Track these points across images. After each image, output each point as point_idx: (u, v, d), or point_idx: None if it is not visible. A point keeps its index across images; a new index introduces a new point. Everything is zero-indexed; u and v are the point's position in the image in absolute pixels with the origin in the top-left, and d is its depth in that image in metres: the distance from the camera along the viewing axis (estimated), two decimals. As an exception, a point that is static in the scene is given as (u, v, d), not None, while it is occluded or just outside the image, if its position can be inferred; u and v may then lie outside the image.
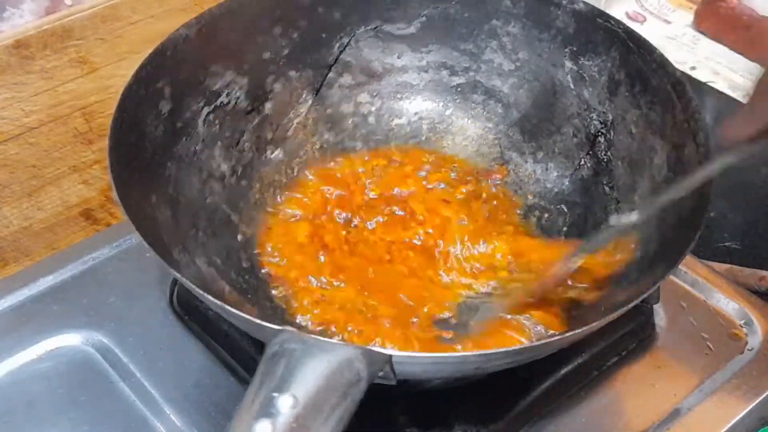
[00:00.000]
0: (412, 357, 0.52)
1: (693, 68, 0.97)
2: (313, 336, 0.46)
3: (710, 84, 0.96)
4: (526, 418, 0.62)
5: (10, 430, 0.61)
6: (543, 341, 0.52)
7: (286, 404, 0.43)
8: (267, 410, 0.43)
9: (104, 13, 0.80)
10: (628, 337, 0.67)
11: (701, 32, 1.03)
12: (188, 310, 0.68)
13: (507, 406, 0.62)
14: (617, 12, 1.05)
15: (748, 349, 0.67)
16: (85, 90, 0.82)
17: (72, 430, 0.61)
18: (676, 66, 0.67)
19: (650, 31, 1.03)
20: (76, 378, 0.64)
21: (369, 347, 0.47)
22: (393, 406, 0.60)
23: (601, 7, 0.99)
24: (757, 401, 0.63)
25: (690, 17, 1.05)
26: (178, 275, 0.53)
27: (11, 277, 0.71)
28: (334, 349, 0.46)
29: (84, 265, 0.71)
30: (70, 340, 0.66)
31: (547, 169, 0.75)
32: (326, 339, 0.46)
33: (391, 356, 0.47)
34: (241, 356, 0.65)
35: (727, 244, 0.83)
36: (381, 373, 0.47)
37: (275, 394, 0.44)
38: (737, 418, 0.63)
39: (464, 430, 0.61)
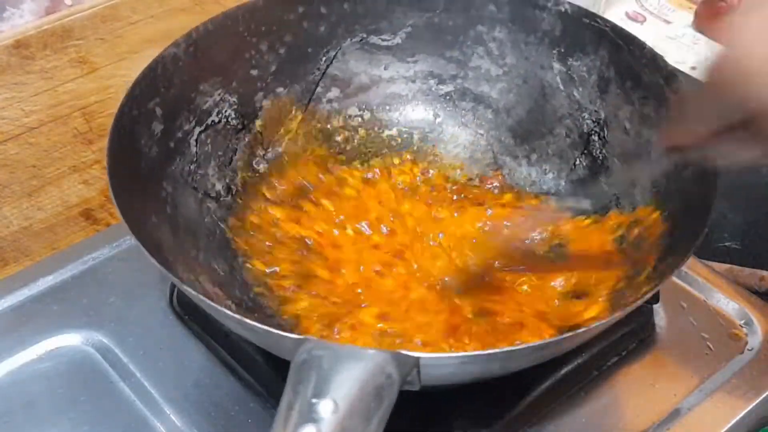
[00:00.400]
0: (440, 358, 0.52)
1: (693, 68, 0.97)
2: (338, 343, 0.46)
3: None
4: (526, 419, 0.62)
5: (10, 430, 0.61)
6: (568, 334, 0.52)
7: (327, 409, 0.43)
8: (309, 416, 0.43)
9: (104, 13, 0.80)
10: (628, 337, 0.67)
11: (701, 32, 1.03)
12: (188, 310, 0.68)
13: (507, 406, 0.62)
14: (617, 12, 1.05)
15: (748, 349, 0.67)
16: (85, 90, 0.82)
17: (72, 430, 0.61)
18: (676, 66, 0.67)
19: (650, 31, 1.03)
20: (76, 378, 0.64)
21: (397, 351, 0.46)
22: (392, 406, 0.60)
23: (601, 8, 0.99)
24: (757, 401, 0.63)
25: (690, 17, 1.05)
26: (202, 297, 0.52)
27: (11, 277, 0.71)
28: (365, 354, 0.45)
29: (84, 265, 0.71)
30: (70, 340, 0.66)
31: (542, 171, 0.75)
32: (355, 345, 0.46)
33: (419, 358, 0.47)
34: (241, 356, 0.64)
35: (727, 244, 0.83)
36: (409, 378, 0.47)
37: (314, 400, 0.43)
38: (737, 418, 0.62)
39: (464, 430, 0.61)
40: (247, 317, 0.51)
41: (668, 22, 1.06)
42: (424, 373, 0.48)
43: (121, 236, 0.73)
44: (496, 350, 0.51)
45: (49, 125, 0.81)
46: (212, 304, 0.52)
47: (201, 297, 0.52)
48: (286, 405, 0.44)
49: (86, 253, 0.72)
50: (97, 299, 0.68)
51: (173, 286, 0.69)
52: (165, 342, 0.66)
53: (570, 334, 0.52)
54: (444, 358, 0.52)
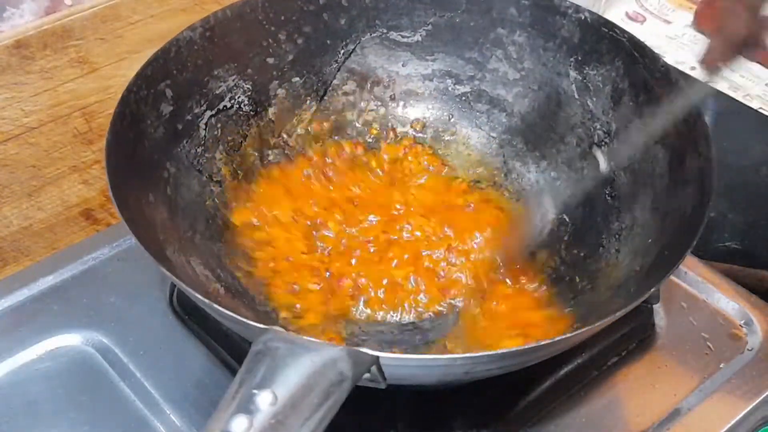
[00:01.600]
0: (400, 359, 0.52)
1: (693, 68, 0.97)
2: (297, 336, 0.46)
3: (710, 84, 0.96)
4: (526, 419, 0.62)
5: (10, 430, 0.61)
6: (531, 345, 0.51)
7: (265, 401, 0.43)
8: (245, 406, 0.43)
9: (104, 13, 0.80)
10: (628, 337, 0.67)
11: (701, 32, 1.03)
12: (188, 310, 0.68)
13: (507, 406, 0.62)
14: (617, 12, 1.05)
15: (748, 349, 0.67)
16: (85, 90, 0.82)
17: (72, 430, 0.61)
18: (676, 66, 0.67)
19: (650, 31, 1.03)
20: (76, 378, 0.64)
21: (355, 348, 0.46)
22: (392, 407, 0.60)
23: (601, 8, 0.99)
24: (757, 401, 0.63)
25: (690, 17, 1.05)
26: (166, 272, 0.53)
27: (11, 277, 0.71)
28: (319, 348, 0.45)
29: (84, 265, 0.71)
30: (70, 340, 0.66)
31: (550, 179, 0.75)
32: (311, 339, 0.46)
33: (378, 357, 0.47)
34: (240, 356, 0.64)
35: (727, 244, 0.83)
36: (368, 375, 0.47)
37: (255, 391, 0.43)
38: (737, 418, 0.62)
39: (464, 430, 0.60)
40: (225, 303, 0.51)
41: (668, 22, 1.06)
42: (386, 373, 0.48)
43: (121, 236, 0.73)
44: (458, 355, 0.51)
45: (49, 125, 0.81)
46: (181, 282, 0.52)
47: (168, 272, 0.53)
48: (230, 393, 0.44)
49: (86, 253, 0.72)
50: (97, 299, 0.68)
51: (173, 285, 0.69)
52: (165, 342, 0.66)
53: (534, 344, 0.51)
54: (404, 359, 0.52)
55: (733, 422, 0.62)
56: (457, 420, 0.61)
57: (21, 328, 0.66)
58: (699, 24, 1.04)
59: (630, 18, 1.05)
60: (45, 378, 0.64)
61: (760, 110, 0.92)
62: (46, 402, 0.62)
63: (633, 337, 0.67)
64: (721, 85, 0.96)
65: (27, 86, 0.78)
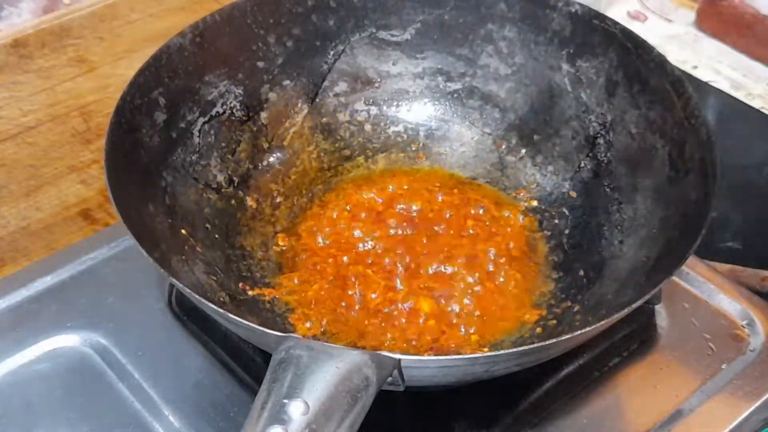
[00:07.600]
0: (421, 360, 0.52)
1: (695, 67, 0.97)
2: (319, 342, 0.46)
3: (712, 83, 0.96)
4: (527, 420, 0.61)
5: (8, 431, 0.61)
6: (552, 341, 0.51)
7: (297, 410, 0.43)
8: (278, 416, 0.43)
9: (102, 12, 0.80)
10: (629, 338, 0.67)
11: (703, 31, 1.03)
12: (187, 311, 0.67)
13: (508, 407, 0.62)
14: (618, 11, 1.05)
15: (750, 350, 0.67)
16: (84, 89, 0.82)
17: (70, 431, 0.61)
18: (678, 65, 0.67)
19: (651, 30, 1.03)
20: (75, 379, 0.63)
21: (377, 352, 0.46)
22: (392, 408, 0.60)
23: (602, 6, 0.99)
24: (760, 402, 0.63)
25: (692, 16, 1.05)
26: (179, 285, 0.53)
27: (9, 278, 0.71)
28: (342, 354, 0.45)
29: (82, 266, 0.71)
30: (69, 340, 0.66)
31: (546, 173, 0.75)
32: (333, 344, 0.46)
33: (399, 360, 0.47)
34: (239, 357, 0.64)
35: (729, 244, 0.83)
36: (390, 379, 0.47)
37: (286, 401, 0.43)
38: (739, 419, 0.62)
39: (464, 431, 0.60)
40: (231, 311, 0.51)
41: (670, 21, 1.05)
42: (407, 375, 0.48)
43: (119, 236, 0.72)
44: (479, 354, 0.51)
45: (47, 125, 0.81)
46: (196, 295, 0.52)
47: (187, 288, 0.52)
48: (259, 404, 0.44)
49: (84, 254, 0.72)
50: (95, 300, 0.68)
51: (171, 286, 0.69)
52: (163, 343, 0.66)
53: (555, 340, 0.51)
54: (425, 361, 0.52)
55: (735, 423, 0.62)
56: (458, 421, 0.60)
57: (19, 329, 0.66)
58: (701, 23, 1.04)
59: (631, 17, 1.05)
60: (43, 379, 0.63)
61: (762, 110, 0.91)
62: (44, 403, 0.62)
63: (634, 338, 0.67)
64: (723, 84, 0.96)
65: (25, 85, 0.78)
